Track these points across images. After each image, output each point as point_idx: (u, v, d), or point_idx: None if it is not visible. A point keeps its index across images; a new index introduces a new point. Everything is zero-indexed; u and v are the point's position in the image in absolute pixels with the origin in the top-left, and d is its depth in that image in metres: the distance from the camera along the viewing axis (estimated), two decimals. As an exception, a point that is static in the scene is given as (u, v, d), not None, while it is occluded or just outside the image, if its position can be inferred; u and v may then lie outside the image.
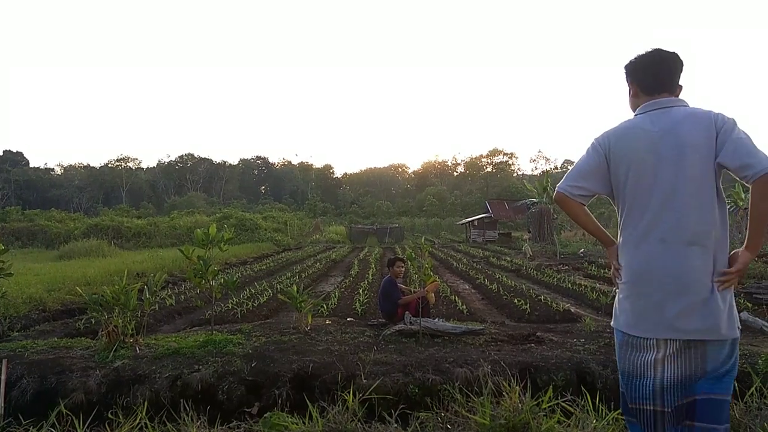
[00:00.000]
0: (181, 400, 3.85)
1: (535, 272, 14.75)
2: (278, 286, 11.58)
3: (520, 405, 3.22)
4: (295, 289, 6.00)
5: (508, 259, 19.38)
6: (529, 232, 30.11)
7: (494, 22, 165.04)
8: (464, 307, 8.81)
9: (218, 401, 4.22)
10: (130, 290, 5.14)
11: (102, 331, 5.07)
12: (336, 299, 9.63)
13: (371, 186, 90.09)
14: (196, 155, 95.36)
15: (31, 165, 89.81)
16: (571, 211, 2.44)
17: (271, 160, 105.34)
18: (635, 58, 2.44)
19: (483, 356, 4.75)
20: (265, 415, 3.42)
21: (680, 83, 2.40)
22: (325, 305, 8.71)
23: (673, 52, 2.39)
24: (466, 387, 4.02)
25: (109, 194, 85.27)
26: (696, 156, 2.17)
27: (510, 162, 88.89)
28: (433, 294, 6.31)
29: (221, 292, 6.37)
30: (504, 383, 3.58)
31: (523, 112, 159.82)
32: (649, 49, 2.42)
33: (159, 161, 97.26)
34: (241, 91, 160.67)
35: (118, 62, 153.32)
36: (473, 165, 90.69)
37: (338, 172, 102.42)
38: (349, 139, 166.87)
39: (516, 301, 9.18)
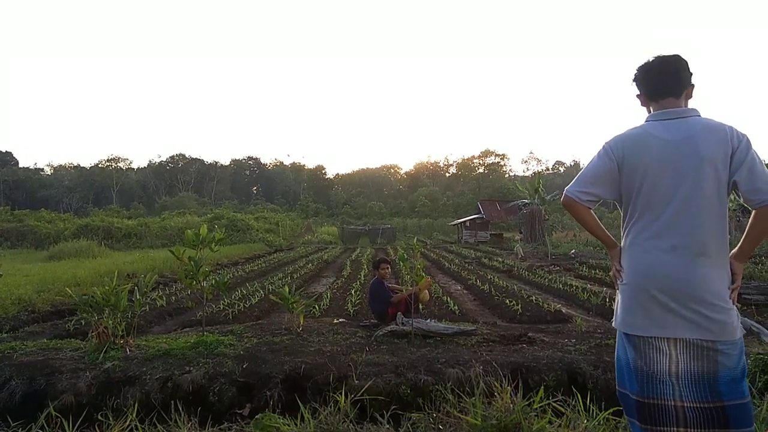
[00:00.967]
0: (172, 402, 3.82)
1: (526, 273, 14.80)
2: (270, 287, 11.55)
3: (511, 405, 3.23)
4: (287, 289, 5.98)
5: (500, 259, 19.43)
6: (521, 232, 30.20)
7: (488, 23, 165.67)
8: (456, 307, 8.82)
9: (209, 402, 4.20)
10: (121, 291, 5.11)
11: (92, 332, 5.03)
12: (328, 300, 9.62)
13: (363, 187, 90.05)
14: (187, 155, 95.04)
15: (21, 165, 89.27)
16: (578, 215, 2.46)
17: (263, 161, 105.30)
18: (642, 65, 2.47)
19: (475, 357, 4.76)
20: (256, 417, 3.40)
21: (692, 82, 2.42)
22: (317, 306, 8.70)
23: (674, 55, 2.41)
24: (458, 387, 4.03)
25: (99, 194, 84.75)
26: (712, 169, 2.22)
27: (502, 163, 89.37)
28: (426, 292, 6.32)
29: (212, 293, 6.36)
30: (496, 384, 3.59)
31: (515, 113, 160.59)
32: (654, 56, 2.46)
33: (150, 161, 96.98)
34: (233, 92, 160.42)
35: (110, 61, 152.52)
36: (465, 166, 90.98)
37: (330, 173, 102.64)
38: (341, 140, 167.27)
39: (508, 301, 9.21)
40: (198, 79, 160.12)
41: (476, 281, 12.51)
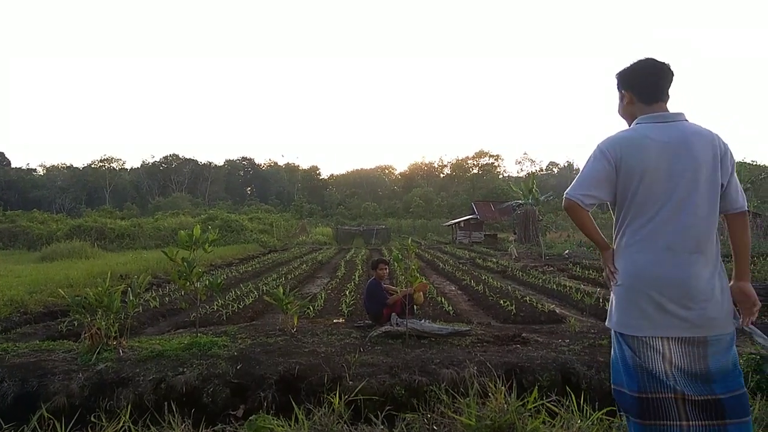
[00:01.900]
0: (165, 403, 3.81)
1: (520, 273, 14.83)
2: (264, 288, 11.53)
3: (505, 406, 3.23)
4: (282, 290, 5.97)
5: (494, 260, 19.47)
6: (515, 233, 30.31)
7: (483, 23, 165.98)
8: (450, 308, 8.84)
9: (203, 404, 4.18)
10: (114, 292, 5.08)
11: (85, 333, 5.00)
12: (322, 301, 9.61)
13: (358, 187, 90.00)
14: (180, 156, 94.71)
15: (13, 165, 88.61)
16: (579, 218, 2.47)
17: (257, 161, 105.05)
18: (631, 66, 2.49)
19: (469, 357, 4.77)
20: (250, 418, 3.40)
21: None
22: (311, 307, 8.69)
23: (667, 63, 2.46)
24: (452, 388, 4.03)
25: (92, 195, 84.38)
26: (705, 172, 2.31)
27: (496, 164, 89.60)
28: (421, 293, 6.33)
29: (206, 293, 6.34)
30: (490, 384, 3.60)
31: (509, 114, 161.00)
32: (643, 58, 2.48)
33: (143, 162, 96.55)
34: (227, 92, 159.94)
35: (103, 61, 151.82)
36: (459, 167, 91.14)
37: (325, 173, 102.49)
38: (335, 140, 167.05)
39: (502, 302, 9.23)
40: (192, 80, 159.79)
41: (470, 282, 12.53)
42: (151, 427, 3.43)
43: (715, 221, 2.35)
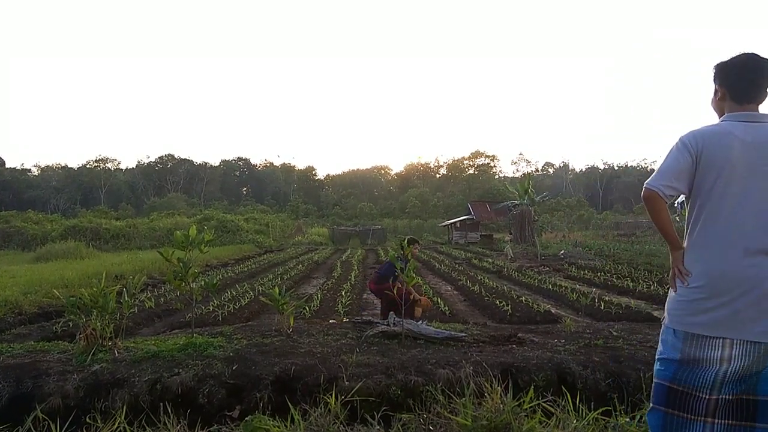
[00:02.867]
0: (161, 404, 3.80)
1: (516, 273, 14.87)
2: (260, 288, 11.52)
3: (501, 406, 3.24)
4: (277, 291, 5.96)
5: (490, 260, 19.51)
6: (511, 233, 30.34)
7: (479, 23, 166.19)
8: (447, 308, 8.86)
9: (199, 405, 4.17)
10: (109, 293, 5.06)
11: (80, 334, 4.98)
12: (318, 301, 9.61)
13: (354, 187, 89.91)
14: (176, 156, 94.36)
15: (7, 165, 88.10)
16: (657, 209, 2.42)
17: (252, 162, 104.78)
18: (730, 61, 2.43)
19: (465, 357, 4.77)
20: (246, 419, 3.39)
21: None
22: (307, 307, 8.69)
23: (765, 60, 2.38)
24: (448, 388, 4.03)
25: (87, 195, 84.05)
26: None
27: (492, 164, 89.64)
28: (420, 309, 6.39)
29: (202, 294, 6.33)
30: (486, 384, 3.61)
31: (505, 114, 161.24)
32: (743, 54, 2.41)
33: (138, 162, 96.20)
34: (223, 92, 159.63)
35: (99, 61, 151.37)
36: (455, 167, 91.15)
37: (321, 174, 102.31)
38: (331, 141, 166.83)
39: (497, 302, 9.25)
40: (187, 80, 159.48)
41: (466, 282, 12.55)
42: (147, 428, 3.42)
43: None
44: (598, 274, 14.35)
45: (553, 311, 8.65)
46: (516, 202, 29.97)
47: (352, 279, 13.09)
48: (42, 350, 5.12)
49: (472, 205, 46.02)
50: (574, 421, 3.17)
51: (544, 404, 3.32)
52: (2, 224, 36.34)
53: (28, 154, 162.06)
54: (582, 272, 14.91)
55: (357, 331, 5.99)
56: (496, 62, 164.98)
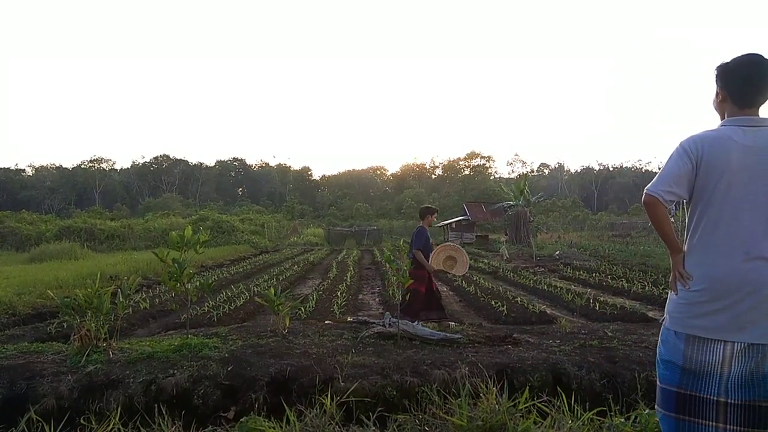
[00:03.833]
0: (156, 405, 3.79)
1: (511, 274, 14.89)
2: (255, 289, 11.50)
3: (497, 406, 3.25)
4: (273, 291, 5.95)
5: (486, 261, 19.53)
6: (506, 234, 30.40)
7: (475, 24, 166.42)
8: (442, 309, 8.84)
9: (194, 406, 4.16)
10: (103, 293, 5.04)
11: (74, 335, 4.96)
12: (314, 302, 9.60)
13: (350, 188, 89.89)
14: (171, 156, 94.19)
15: (1, 166, 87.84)
16: (657, 215, 2.43)
17: (248, 162, 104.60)
18: (732, 63, 2.42)
19: (460, 358, 4.78)
20: (241, 420, 3.39)
21: None
22: (303, 308, 8.68)
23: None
24: (443, 389, 4.03)
25: (81, 196, 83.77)
26: None
27: (487, 165, 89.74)
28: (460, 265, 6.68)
29: (197, 295, 6.31)
30: (481, 385, 3.61)
31: (501, 115, 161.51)
32: (746, 56, 2.40)
33: (133, 162, 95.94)
34: (218, 92, 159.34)
35: (93, 60, 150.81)
36: (451, 168, 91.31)
37: (316, 174, 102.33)
38: (327, 141, 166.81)
39: (493, 302, 9.26)
40: (183, 80, 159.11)
41: (462, 282, 12.56)
42: (141, 429, 3.41)
43: None
44: (593, 274, 14.39)
45: (548, 312, 8.68)
46: (512, 202, 30.02)
47: (348, 280, 13.09)
48: (36, 351, 5.10)
49: (467, 205, 46.02)
50: (569, 422, 3.18)
51: (539, 405, 3.33)
52: (-4, 224, 36.14)
53: (23, 154, 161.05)
54: (577, 273, 14.95)
55: (352, 332, 5.99)
56: (492, 63, 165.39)
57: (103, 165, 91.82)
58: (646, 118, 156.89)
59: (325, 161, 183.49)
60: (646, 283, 11.92)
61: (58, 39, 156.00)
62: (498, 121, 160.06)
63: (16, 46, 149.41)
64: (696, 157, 2.35)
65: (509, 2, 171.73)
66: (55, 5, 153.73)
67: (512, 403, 3.27)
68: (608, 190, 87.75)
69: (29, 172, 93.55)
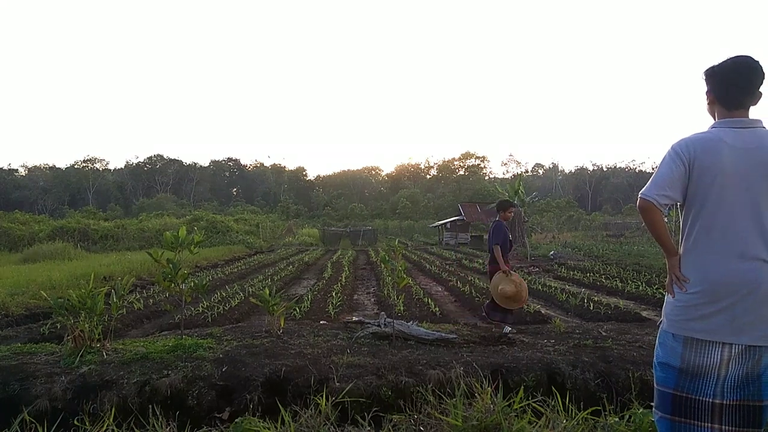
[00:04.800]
0: (150, 406, 3.78)
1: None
2: (250, 289, 11.48)
3: (491, 406, 3.25)
4: (268, 292, 5.95)
5: (481, 261, 19.54)
6: (501, 234, 30.39)
7: (471, 24, 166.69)
8: (437, 309, 8.86)
9: (188, 406, 4.15)
10: (97, 294, 5.02)
11: (68, 336, 4.94)
12: (309, 302, 9.58)
13: (345, 188, 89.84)
14: (165, 156, 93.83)
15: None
16: (652, 219, 2.44)
17: (243, 162, 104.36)
18: (719, 67, 2.44)
19: (455, 358, 4.79)
20: (236, 420, 3.38)
21: (761, 91, 2.41)
22: (298, 308, 8.67)
23: (757, 64, 2.38)
24: (438, 389, 4.04)
25: (75, 196, 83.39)
26: None
27: (482, 165, 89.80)
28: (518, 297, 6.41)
29: (191, 295, 6.28)
30: (476, 384, 3.62)
31: (495, 116, 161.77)
32: (733, 59, 2.40)
33: (127, 162, 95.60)
34: (213, 92, 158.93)
35: (87, 60, 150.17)
36: (446, 168, 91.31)
37: (311, 174, 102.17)
38: (322, 142, 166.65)
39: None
40: (177, 79, 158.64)
41: (457, 283, 12.57)
42: (136, 430, 3.40)
43: None
44: (588, 274, 14.43)
45: (542, 312, 8.70)
46: (506, 203, 30.04)
47: (343, 280, 13.07)
48: (29, 352, 5.07)
49: (462, 206, 46.04)
50: (564, 421, 3.19)
51: (534, 404, 3.34)
52: (-12, 225, 35.92)
53: (15, 154, 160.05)
54: (571, 273, 14.99)
55: (348, 332, 5.99)
56: (487, 63, 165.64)
57: (97, 165, 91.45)
58: (636, 120, 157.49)
59: (319, 161, 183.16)
60: (639, 283, 11.96)
61: (51, 38, 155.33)
62: (492, 121, 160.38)
63: (8, 46, 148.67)
64: (688, 160, 2.36)
65: (505, 3, 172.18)
66: (49, 4, 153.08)
67: (507, 403, 3.27)
68: (602, 191, 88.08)
69: (22, 172, 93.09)
